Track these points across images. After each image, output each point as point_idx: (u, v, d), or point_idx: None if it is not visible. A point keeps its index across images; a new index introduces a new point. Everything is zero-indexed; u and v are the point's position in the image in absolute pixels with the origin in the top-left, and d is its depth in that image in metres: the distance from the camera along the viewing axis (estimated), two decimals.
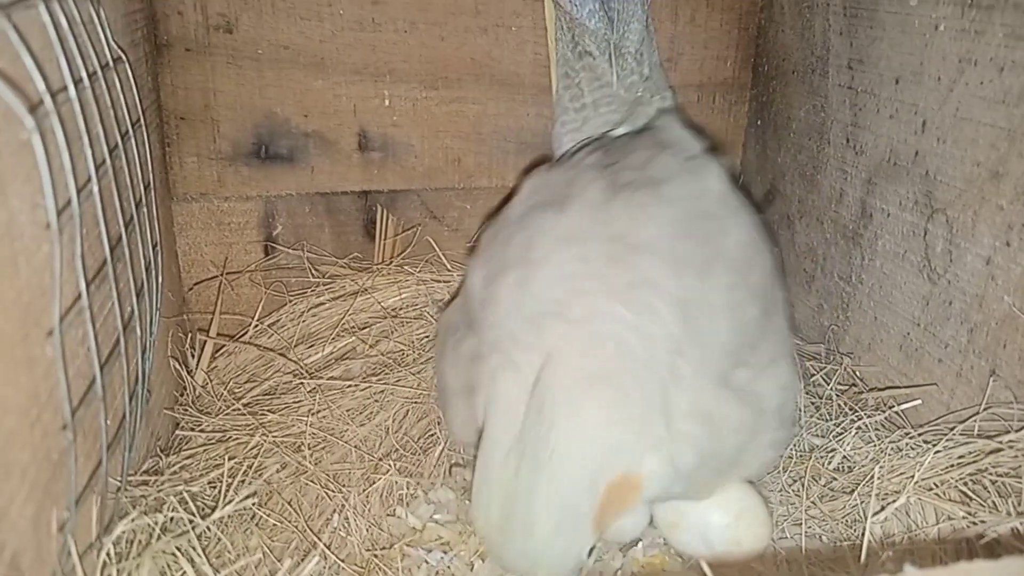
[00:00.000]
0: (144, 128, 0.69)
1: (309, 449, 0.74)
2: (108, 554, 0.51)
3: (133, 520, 0.55)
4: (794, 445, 0.76)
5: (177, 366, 0.82)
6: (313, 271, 0.96)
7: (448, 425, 0.72)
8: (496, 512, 0.55)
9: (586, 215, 0.64)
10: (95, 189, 0.50)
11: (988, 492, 0.60)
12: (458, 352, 0.66)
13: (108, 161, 0.55)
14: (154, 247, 0.70)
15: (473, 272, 0.69)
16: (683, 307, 0.59)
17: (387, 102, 0.94)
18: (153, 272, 0.68)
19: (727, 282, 0.62)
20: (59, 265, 0.44)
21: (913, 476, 0.62)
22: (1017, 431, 0.62)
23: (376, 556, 0.65)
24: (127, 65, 0.64)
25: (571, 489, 0.53)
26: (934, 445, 0.65)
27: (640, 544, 0.68)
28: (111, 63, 0.59)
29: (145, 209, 0.67)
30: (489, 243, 0.70)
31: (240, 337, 0.91)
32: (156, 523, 0.56)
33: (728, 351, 0.61)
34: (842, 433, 0.75)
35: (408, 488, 0.73)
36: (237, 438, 0.74)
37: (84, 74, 0.51)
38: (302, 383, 0.83)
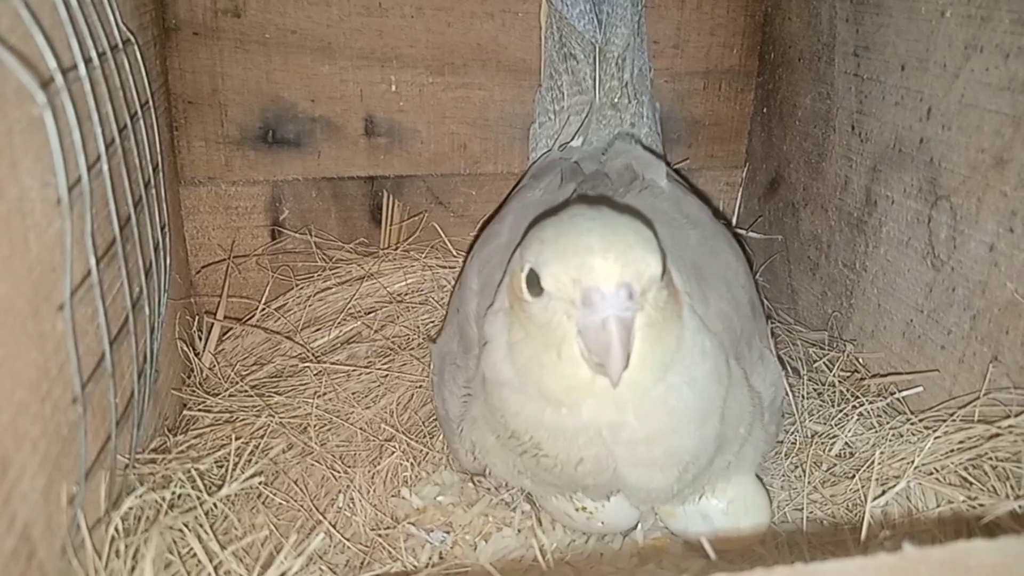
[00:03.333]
0: (152, 111, 0.69)
1: (315, 430, 0.75)
2: (116, 528, 0.52)
3: (141, 496, 0.55)
4: (796, 431, 0.77)
5: (184, 348, 0.83)
6: (320, 256, 0.97)
7: (454, 454, 0.72)
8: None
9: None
10: (105, 168, 0.51)
11: (988, 476, 0.60)
12: (456, 382, 0.67)
13: (117, 141, 0.56)
14: (162, 228, 0.70)
15: (467, 301, 0.68)
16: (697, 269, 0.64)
17: (394, 87, 0.94)
18: (161, 253, 0.69)
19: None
20: (70, 241, 0.44)
21: (913, 461, 0.63)
22: (1017, 416, 0.62)
23: (380, 535, 0.66)
24: (136, 48, 0.64)
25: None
26: (934, 431, 0.65)
27: (640, 527, 0.68)
28: (120, 45, 0.60)
29: (153, 191, 0.67)
30: (480, 270, 0.69)
31: (247, 320, 0.92)
32: (164, 499, 0.57)
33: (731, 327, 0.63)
34: (844, 419, 0.75)
35: (412, 469, 0.74)
36: (244, 419, 0.75)
37: (94, 54, 0.51)
38: (308, 366, 0.84)
